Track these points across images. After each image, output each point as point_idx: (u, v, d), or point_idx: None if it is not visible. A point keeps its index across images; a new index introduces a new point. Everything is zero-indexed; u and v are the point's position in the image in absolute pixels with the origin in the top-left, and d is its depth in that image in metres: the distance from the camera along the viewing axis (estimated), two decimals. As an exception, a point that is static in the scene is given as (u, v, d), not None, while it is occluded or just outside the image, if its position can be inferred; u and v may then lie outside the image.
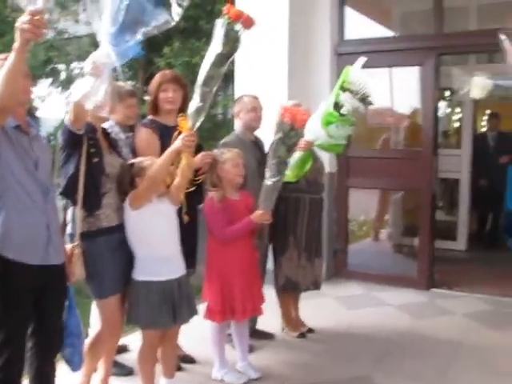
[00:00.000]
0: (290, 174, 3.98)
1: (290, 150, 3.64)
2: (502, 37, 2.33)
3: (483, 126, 9.03)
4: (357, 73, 3.88)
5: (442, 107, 9.52)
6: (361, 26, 6.79)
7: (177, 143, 3.13)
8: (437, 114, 6.07)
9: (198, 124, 3.19)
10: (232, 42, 3.15)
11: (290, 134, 3.56)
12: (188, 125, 3.16)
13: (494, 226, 8.01)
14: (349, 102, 3.79)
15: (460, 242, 7.84)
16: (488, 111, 8.69)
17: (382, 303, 5.49)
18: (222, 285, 3.63)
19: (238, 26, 3.14)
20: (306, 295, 4.67)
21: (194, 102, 3.18)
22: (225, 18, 3.13)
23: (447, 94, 9.20)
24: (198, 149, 3.50)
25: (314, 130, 3.96)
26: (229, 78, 5.86)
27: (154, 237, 3.15)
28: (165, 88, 3.65)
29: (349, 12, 6.42)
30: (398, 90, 7.01)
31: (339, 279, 6.21)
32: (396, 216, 7.90)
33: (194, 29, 8.51)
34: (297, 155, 4.01)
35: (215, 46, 3.14)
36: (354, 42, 6.16)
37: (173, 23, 2.80)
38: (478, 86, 2.52)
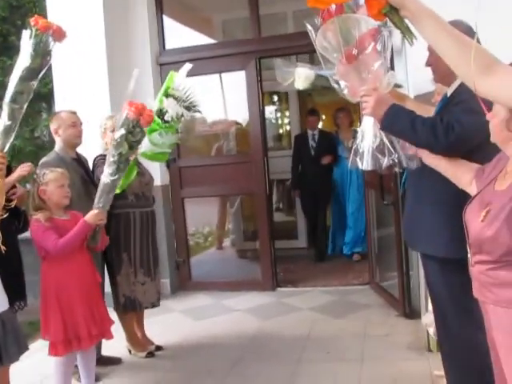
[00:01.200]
0: None
1: (133, 148, 3.39)
2: (309, 27, 2.37)
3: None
4: (181, 79, 3.78)
5: (273, 111, 9.76)
6: (183, 36, 6.78)
7: None
8: (264, 116, 6.18)
9: (7, 145, 2.92)
10: (42, 54, 2.93)
11: (134, 131, 3.31)
12: None
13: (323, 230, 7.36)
14: (172, 109, 3.67)
15: (301, 240, 8.04)
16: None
17: (229, 310, 5.45)
18: (62, 312, 3.30)
19: (48, 38, 2.94)
20: (151, 312, 4.52)
21: (2, 121, 2.91)
22: (33, 30, 2.91)
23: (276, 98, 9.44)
24: (8, 171, 3.22)
25: None
26: (51, 96, 5.57)
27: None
28: None
29: (170, 23, 6.37)
30: (228, 97, 7.08)
31: (185, 292, 6.10)
32: (236, 222, 7.96)
33: (4, 46, 7.98)
34: None
35: (23, 60, 2.89)
36: (175, 51, 6.10)
37: None
38: (301, 76, 2.57)
